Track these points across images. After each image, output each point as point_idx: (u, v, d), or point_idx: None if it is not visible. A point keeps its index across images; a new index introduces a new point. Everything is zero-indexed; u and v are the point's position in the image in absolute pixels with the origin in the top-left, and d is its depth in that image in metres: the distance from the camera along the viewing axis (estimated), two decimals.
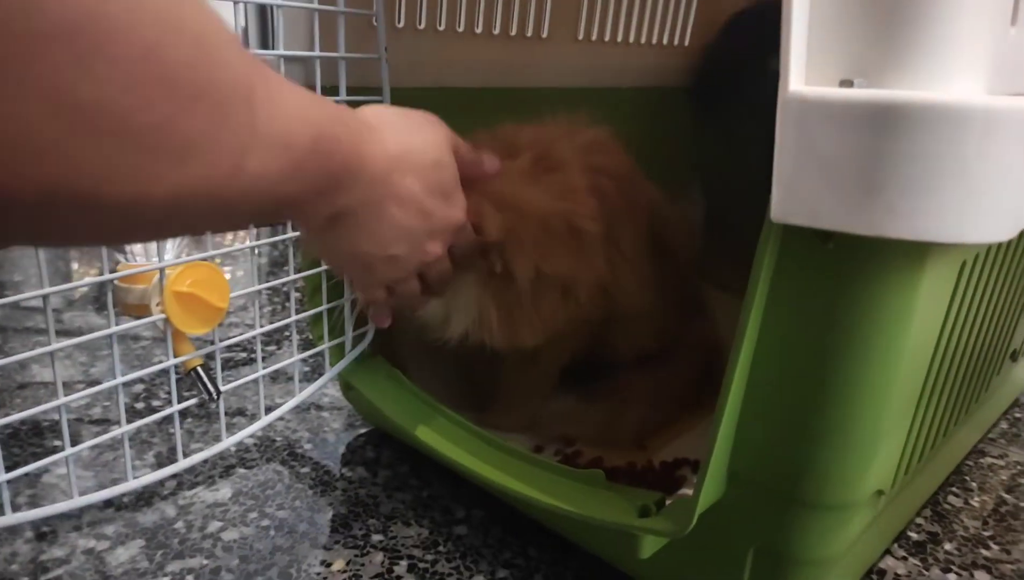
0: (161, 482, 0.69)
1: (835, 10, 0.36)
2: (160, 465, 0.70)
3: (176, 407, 0.62)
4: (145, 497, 0.67)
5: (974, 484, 0.76)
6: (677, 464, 0.69)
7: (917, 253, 0.38)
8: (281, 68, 0.64)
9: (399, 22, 0.78)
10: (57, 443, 0.75)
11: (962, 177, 0.34)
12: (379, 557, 0.60)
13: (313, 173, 0.36)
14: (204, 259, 0.60)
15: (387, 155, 0.43)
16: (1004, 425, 0.88)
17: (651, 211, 0.72)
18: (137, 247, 0.68)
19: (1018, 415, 0.90)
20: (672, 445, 0.72)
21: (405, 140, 0.45)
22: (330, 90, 0.68)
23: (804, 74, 0.37)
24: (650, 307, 0.70)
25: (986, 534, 0.67)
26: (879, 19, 0.36)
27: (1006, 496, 0.74)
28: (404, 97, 0.76)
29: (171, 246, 0.66)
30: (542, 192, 0.61)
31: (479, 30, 0.85)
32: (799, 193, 0.36)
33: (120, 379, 0.57)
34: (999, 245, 0.50)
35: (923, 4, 0.35)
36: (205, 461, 0.72)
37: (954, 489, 0.74)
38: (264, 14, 0.66)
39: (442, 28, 0.82)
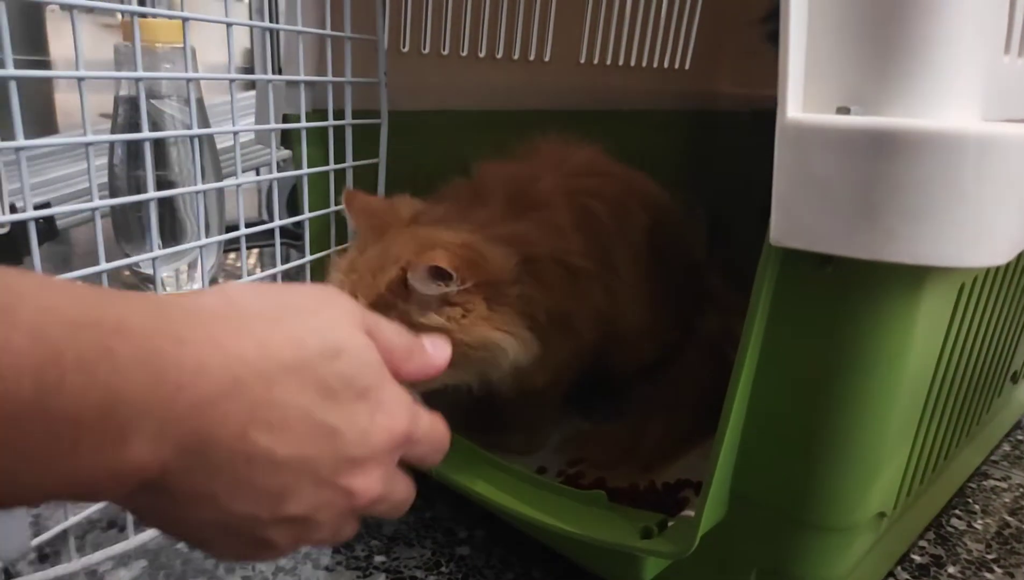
0: None
1: (832, 38, 0.37)
2: None
3: None
4: None
5: (977, 507, 0.75)
6: (680, 486, 0.69)
7: (916, 277, 0.39)
8: (302, 93, 0.65)
9: (404, 47, 0.79)
10: None
11: (959, 202, 0.34)
12: (381, 578, 0.60)
13: (40, 430, 0.23)
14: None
15: (237, 358, 0.27)
16: (1007, 447, 0.87)
17: (653, 212, 0.72)
18: (167, 276, 0.69)
19: (1020, 437, 0.90)
20: (675, 466, 0.72)
21: (270, 331, 0.29)
22: (336, 113, 0.69)
23: (802, 101, 0.38)
24: (651, 322, 0.70)
25: (989, 557, 0.67)
26: (875, 47, 0.37)
27: (1009, 519, 0.74)
28: (409, 120, 0.77)
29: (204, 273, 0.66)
30: (533, 231, 0.60)
31: (482, 54, 0.87)
32: (797, 217, 0.37)
33: None
34: (998, 268, 0.51)
35: (918, 33, 0.36)
36: None
37: (957, 511, 0.74)
38: (271, 39, 0.67)
39: (446, 52, 0.83)
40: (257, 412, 0.27)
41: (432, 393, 0.73)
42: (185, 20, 0.53)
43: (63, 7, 0.44)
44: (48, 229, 1.00)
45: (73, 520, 0.54)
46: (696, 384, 0.75)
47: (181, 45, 0.52)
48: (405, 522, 0.68)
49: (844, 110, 0.37)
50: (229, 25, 0.55)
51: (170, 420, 0.25)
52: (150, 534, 0.60)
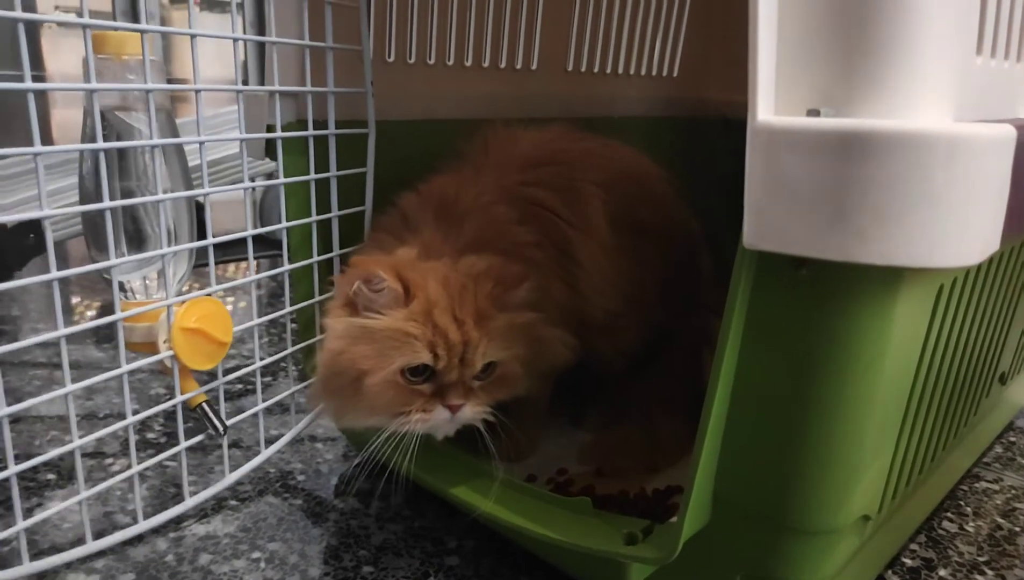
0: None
1: (801, 41, 0.37)
2: (155, 498, 0.70)
3: (183, 445, 0.62)
4: (135, 528, 0.67)
5: (969, 509, 0.75)
6: (670, 492, 0.68)
7: (891, 277, 0.39)
8: (277, 103, 0.66)
9: (389, 56, 0.79)
10: (50, 477, 0.75)
11: (929, 203, 0.34)
12: None
13: None
14: (208, 294, 0.61)
15: None
16: (999, 449, 0.87)
17: (618, 186, 0.71)
18: (136, 284, 0.69)
19: (1012, 439, 0.90)
20: (665, 473, 0.71)
21: None
22: (320, 124, 0.69)
23: (773, 104, 0.38)
24: (627, 303, 0.69)
25: (981, 560, 0.67)
26: (844, 50, 0.37)
27: (1001, 521, 0.73)
28: (395, 129, 0.78)
29: (173, 282, 0.66)
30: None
31: (468, 63, 0.87)
32: (769, 220, 0.37)
33: (131, 419, 0.58)
34: (979, 268, 0.51)
35: (886, 35, 0.36)
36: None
37: (948, 514, 0.74)
38: (263, 51, 0.68)
39: (432, 61, 0.83)
40: None
41: None
42: (143, 32, 0.54)
43: (60, 24, 0.46)
44: (37, 244, 1.00)
45: (25, 524, 0.54)
46: (693, 378, 0.74)
47: (153, 57, 0.52)
48: (394, 532, 0.68)
49: (815, 112, 0.37)
50: (193, 36, 0.56)
51: None
52: (107, 541, 0.60)
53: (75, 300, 1.37)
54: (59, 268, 0.49)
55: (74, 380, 0.53)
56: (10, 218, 0.51)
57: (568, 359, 0.63)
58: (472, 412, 0.57)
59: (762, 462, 0.44)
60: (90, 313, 1.29)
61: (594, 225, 0.68)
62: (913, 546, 0.68)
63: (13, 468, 0.52)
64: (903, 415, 0.47)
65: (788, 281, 0.40)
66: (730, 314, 0.41)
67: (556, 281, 0.64)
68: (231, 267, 1.53)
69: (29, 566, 0.54)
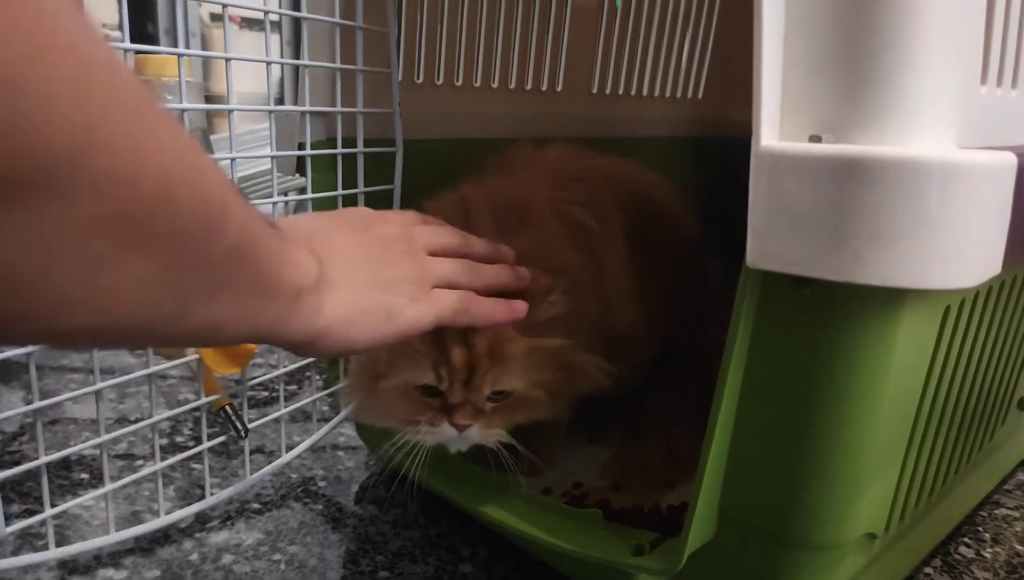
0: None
1: (805, 70, 0.39)
2: (181, 499, 0.73)
3: (206, 444, 0.65)
4: (163, 529, 0.69)
5: (987, 535, 0.75)
6: (684, 508, 0.69)
7: (893, 298, 0.40)
8: (308, 122, 0.68)
9: (418, 78, 0.82)
10: (83, 476, 0.78)
11: (924, 226, 0.35)
12: None
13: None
14: None
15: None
16: (1021, 476, 0.86)
17: (629, 203, 0.71)
18: None
19: None
20: (680, 489, 0.72)
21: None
22: (349, 142, 0.72)
23: (777, 130, 0.39)
24: (641, 315, 0.69)
25: None
26: (847, 79, 0.38)
27: (1020, 548, 0.73)
28: (422, 148, 0.80)
29: None
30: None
31: (495, 84, 0.90)
32: (771, 241, 0.38)
33: (155, 418, 0.61)
34: (988, 292, 0.51)
35: (887, 65, 0.37)
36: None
37: (966, 539, 0.74)
38: (297, 30, 0.70)
39: (459, 83, 0.86)
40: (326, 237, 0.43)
41: None
42: (180, 56, 0.57)
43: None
44: None
45: (53, 511, 0.57)
46: (706, 393, 0.74)
47: (189, 79, 0.55)
48: (410, 539, 0.69)
49: (816, 139, 0.38)
50: (228, 60, 0.59)
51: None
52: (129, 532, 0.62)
53: None
54: None
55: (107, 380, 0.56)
56: None
57: (605, 386, 0.61)
58: (481, 434, 0.55)
59: (766, 477, 0.45)
60: None
61: (615, 240, 0.69)
62: (928, 569, 0.68)
63: (43, 458, 0.55)
64: (909, 434, 0.48)
65: (791, 300, 0.41)
66: (734, 331, 0.42)
67: (593, 300, 0.63)
68: None
69: (56, 551, 0.57)
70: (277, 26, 0.87)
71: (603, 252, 0.67)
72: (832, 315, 0.41)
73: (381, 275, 0.44)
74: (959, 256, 0.37)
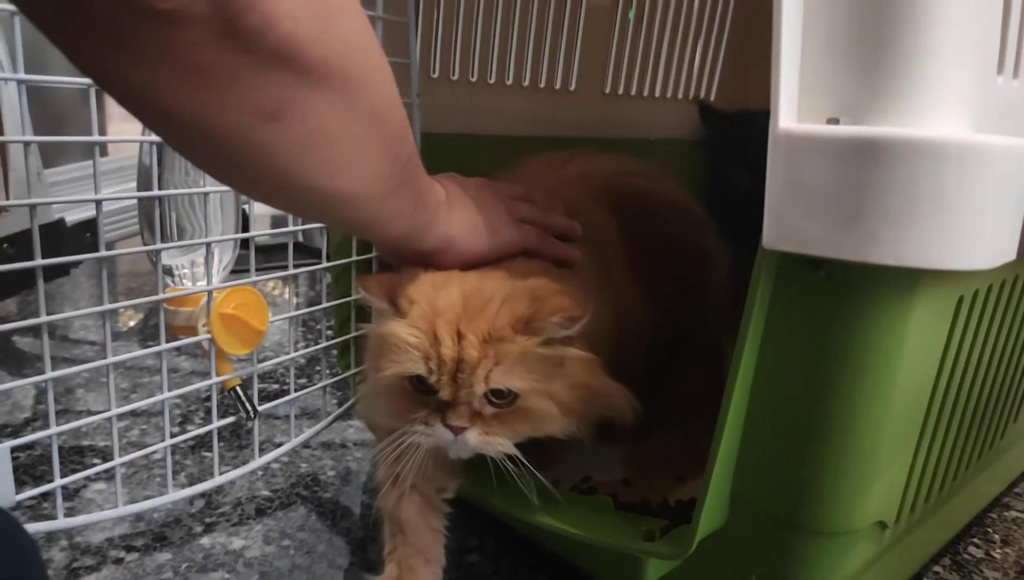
0: (190, 500, 0.72)
1: (823, 53, 0.39)
2: (191, 483, 0.73)
3: (216, 424, 0.65)
4: (174, 513, 0.70)
5: (997, 536, 0.75)
6: (693, 503, 0.69)
7: (906, 280, 0.40)
8: None
9: (434, 72, 0.83)
10: (96, 461, 0.78)
11: (940, 207, 0.36)
12: None
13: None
14: (246, 284, 0.64)
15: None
16: None
17: (625, 206, 0.70)
18: (184, 270, 0.73)
19: None
20: (690, 484, 0.72)
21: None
22: None
23: (796, 112, 0.40)
24: (641, 314, 0.68)
25: None
26: (864, 63, 0.39)
27: None
28: (436, 142, 0.81)
29: (217, 270, 0.70)
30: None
31: (509, 82, 0.90)
32: (788, 222, 0.38)
33: (166, 394, 0.61)
34: (1001, 286, 0.52)
35: (903, 49, 0.38)
36: (232, 482, 0.74)
37: (976, 540, 0.73)
38: None
39: (474, 79, 0.87)
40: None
41: None
42: None
43: None
44: (93, 242, 1.05)
45: (62, 481, 0.57)
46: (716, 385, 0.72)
47: None
48: None
49: (834, 121, 0.39)
50: None
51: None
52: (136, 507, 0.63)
53: (122, 303, 1.42)
54: (112, 269, 0.53)
55: (121, 374, 0.57)
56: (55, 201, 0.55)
57: (628, 420, 0.57)
58: (481, 440, 0.51)
59: (778, 461, 0.45)
60: (134, 321, 1.34)
61: (618, 248, 0.68)
62: (937, 568, 0.68)
63: (54, 428, 0.55)
64: (922, 423, 0.48)
65: (806, 282, 0.41)
66: (749, 314, 0.42)
67: (607, 309, 0.61)
68: (270, 285, 1.58)
69: (64, 521, 0.58)
70: None
71: (612, 259, 0.66)
72: (847, 298, 0.41)
73: (485, 211, 0.55)
74: (974, 238, 0.37)
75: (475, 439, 0.50)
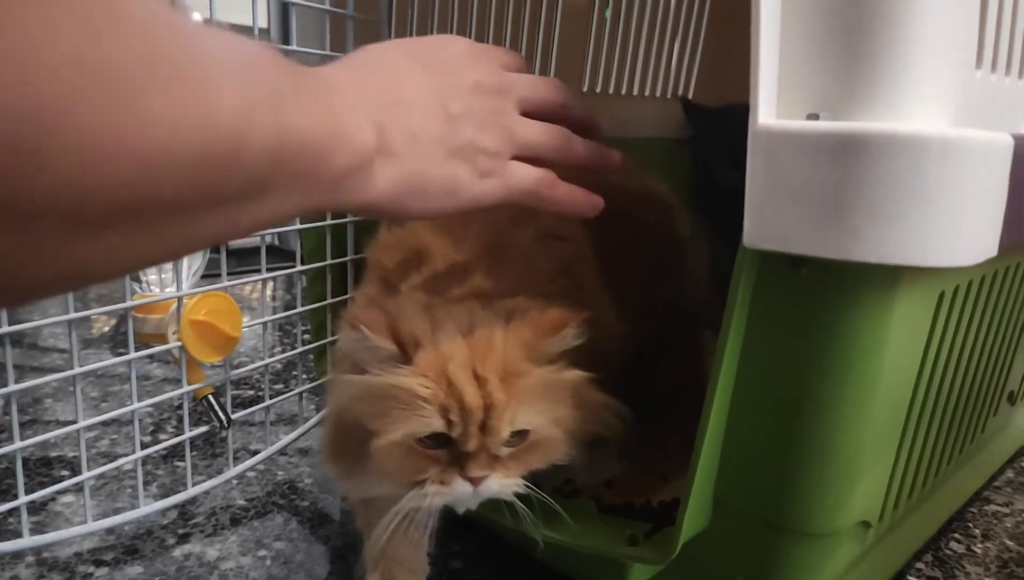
0: (163, 512, 0.70)
1: (802, 48, 0.39)
2: (164, 495, 0.72)
3: (188, 434, 0.64)
4: (146, 525, 0.68)
5: (977, 531, 0.75)
6: (676, 504, 0.68)
7: (888, 278, 0.40)
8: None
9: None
10: (64, 473, 0.76)
11: (921, 203, 0.35)
12: None
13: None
14: (218, 289, 0.63)
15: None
16: (1010, 474, 0.87)
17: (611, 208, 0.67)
18: (152, 277, 0.72)
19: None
20: (673, 485, 0.72)
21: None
22: None
23: (775, 109, 0.39)
24: (611, 317, 0.64)
25: None
26: (843, 59, 0.38)
27: (1010, 544, 0.73)
28: None
29: (187, 276, 0.69)
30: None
31: None
32: (769, 220, 0.38)
33: (136, 405, 0.60)
34: (982, 281, 0.51)
35: (883, 44, 0.37)
36: (207, 492, 0.73)
37: (957, 535, 0.73)
38: (285, 15, 0.69)
39: None
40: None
41: None
42: None
43: None
44: None
45: (27, 498, 0.56)
46: (697, 384, 0.71)
47: None
48: None
49: (814, 117, 0.38)
50: None
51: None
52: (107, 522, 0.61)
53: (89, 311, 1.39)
54: None
55: (91, 383, 0.55)
56: None
57: (616, 433, 0.54)
58: (499, 485, 0.47)
59: (761, 462, 0.45)
60: (107, 327, 1.31)
61: (586, 254, 0.64)
62: (919, 564, 0.68)
63: (18, 443, 0.53)
64: (904, 421, 0.48)
65: (788, 280, 0.41)
66: (731, 313, 0.42)
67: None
68: (247, 289, 1.55)
69: (29, 539, 0.56)
70: (266, 33, 0.86)
71: (578, 267, 0.62)
72: (829, 295, 0.40)
73: (454, 140, 0.40)
74: (956, 234, 0.37)
75: (497, 485, 0.46)
